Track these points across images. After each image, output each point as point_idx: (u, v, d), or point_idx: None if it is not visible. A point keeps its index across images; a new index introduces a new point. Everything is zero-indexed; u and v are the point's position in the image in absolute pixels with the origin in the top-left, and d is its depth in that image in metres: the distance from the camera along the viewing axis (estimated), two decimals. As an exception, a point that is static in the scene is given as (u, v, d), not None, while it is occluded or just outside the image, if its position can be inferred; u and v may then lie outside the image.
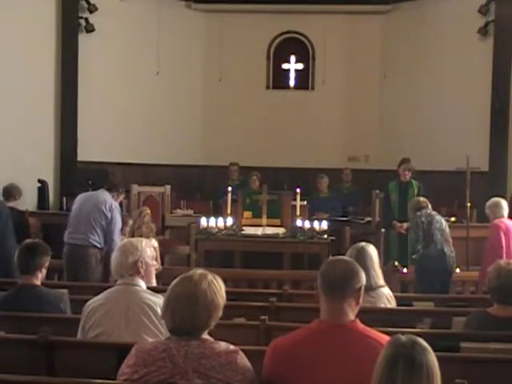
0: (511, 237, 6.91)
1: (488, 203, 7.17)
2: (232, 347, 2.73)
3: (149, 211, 6.79)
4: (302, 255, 8.12)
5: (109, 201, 6.94)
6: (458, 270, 7.77)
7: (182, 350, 2.66)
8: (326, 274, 2.86)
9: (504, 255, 6.68)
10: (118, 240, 6.83)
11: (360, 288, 2.84)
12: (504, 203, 7.05)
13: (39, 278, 4.31)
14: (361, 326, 2.80)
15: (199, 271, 2.85)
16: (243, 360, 2.71)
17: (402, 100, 11.85)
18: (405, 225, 8.26)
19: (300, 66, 12.47)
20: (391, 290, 4.86)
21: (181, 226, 9.18)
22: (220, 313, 2.80)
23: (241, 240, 8.03)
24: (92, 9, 10.79)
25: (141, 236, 6.27)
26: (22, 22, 9.88)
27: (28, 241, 4.59)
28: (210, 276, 2.81)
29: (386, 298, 4.66)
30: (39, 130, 10.26)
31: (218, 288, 2.80)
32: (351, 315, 2.81)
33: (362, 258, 4.50)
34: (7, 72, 9.71)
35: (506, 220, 7.05)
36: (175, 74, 11.83)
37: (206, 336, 2.76)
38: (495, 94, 10.41)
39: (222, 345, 2.72)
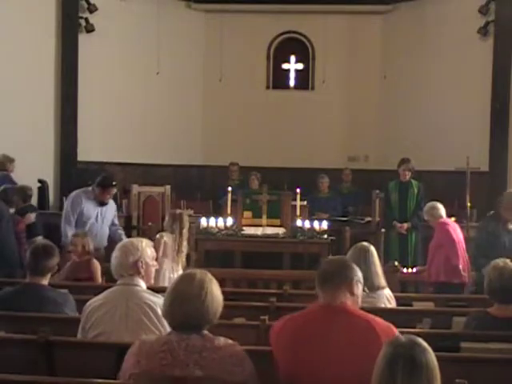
0: (458, 234, 7.03)
1: (424, 209, 7.30)
2: (231, 341, 2.81)
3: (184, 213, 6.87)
4: (302, 255, 8.12)
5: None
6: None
7: (182, 344, 2.74)
8: (320, 270, 3.13)
9: (458, 250, 6.87)
10: (64, 226, 6.97)
11: (351, 280, 3.05)
12: (439, 204, 7.18)
13: (47, 279, 4.33)
14: (350, 306, 2.98)
15: (198, 270, 2.95)
16: (242, 353, 2.78)
17: (401, 100, 11.84)
18: (405, 225, 8.27)
19: (300, 66, 12.47)
20: (391, 289, 4.87)
21: (181, 225, 9.16)
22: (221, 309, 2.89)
23: (241, 240, 8.02)
24: (92, 9, 10.79)
25: (184, 238, 6.40)
26: (22, 22, 9.89)
27: (42, 242, 4.60)
28: (209, 274, 2.91)
29: (386, 298, 4.66)
30: (39, 130, 10.27)
31: (218, 285, 2.90)
32: (344, 301, 3.00)
33: (367, 258, 4.50)
34: (7, 72, 9.72)
35: (448, 219, 7.19)
36: (175, 74, 11.83)
37: (205, 331, 2.82)
38: (495, 94, 10.41)
39: (221, 339, 2.80)
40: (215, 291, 2.85)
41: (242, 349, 2.81)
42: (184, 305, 2.78)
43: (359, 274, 3.13)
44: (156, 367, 2.70)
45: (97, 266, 5.99)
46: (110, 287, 3.83)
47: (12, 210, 7.09)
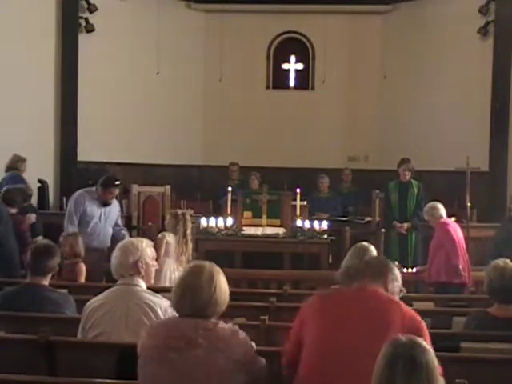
0: (458, 234, 7.05)
1: (424, 209, 7.37)
2: (231, 324, 2.96)
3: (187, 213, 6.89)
4: (302, 255, 8.12)
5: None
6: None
7: (190, 323, 2.87)
8: (356, 265, 3.43)
9: (458, 250, 6.93)
10: (67, 225, 6.94)
11: (386, 276, 3.18)
12: (439, 205, 7.23)
13: (48, 280, 4.33)
14: (383, 292, 3.09)
15: (205, 262, 3.07)
16: (244, 337, 2.93)
17: (401, 100, 11.84)
18: (405, 225, 8.26)
19: (300, 66, 12.46)
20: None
21: (181, 226, 9.16)
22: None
23: (241, 240, 8.03)
24: (92, 9, 10.78)
25: (189, 239, 6.41)
26: (22, 22, 9.88)
27: (43, 241, 4.61)
28: (215, 265, 3.05)
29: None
30: (39, 130, 10.26)
31: (224, 276, 3.05)
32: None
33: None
34: (7, 72, 9.71)
35: (448, 219, 7.24)
36: (175, 74, 11.83)
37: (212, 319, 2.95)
38: (495, 94, 10.41)
39: (224, 323, 2.94)
40: (223, 283, 2.98)
41: (244, 334, 2.93)
42: (194, 296, 2.90)
43: (396, 273, 3.24)
44: (163, 338, 2.85)
45: (81, 269, 5.84)
46: (110, 287, 3.84)
47: (14, 211, 7.09)
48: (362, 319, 2.96)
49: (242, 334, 2.91)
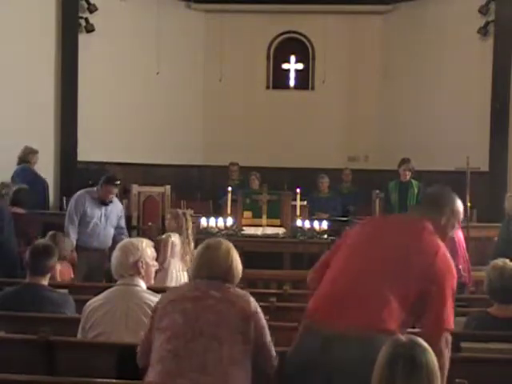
0: (458, 234, 7.04)
1: None
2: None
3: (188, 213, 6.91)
4: (302, 255, 8.12)
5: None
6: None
7: (205, 282, 3.07)
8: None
9: (458, 250, 6.84)
10: (67, 225, 6.96)
11: (440, 208, 3.13)
12: None
13: (47, 279, 4.33)
14: (431, 229, 3.05)
15: (221, 239, 3.30)
16: (254, 300, 3.07)
17: (401, 100, 11.84)
18: (405, 225, 8.25)
19: (300, 66, 12.47)
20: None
21: (181, 226, 9.15)
22: None
23: (241, 240, 8.02)
24: (92, 9, 10.77)
25: (191, 239, 6.44)
26: (21, 22, 9.88)
27: (42, 241, 4.62)
28: (230, 242, 3.27)
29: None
30: (39, 130, 10.24)
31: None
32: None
33: None
34: (7, 72, 9.71)
35: None
36: (175, 73, 11.83)
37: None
38: (495, 94, 10.41)
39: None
40: (238, 258, 3.18)
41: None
42: (212, 266, 3.09)
43: (456, 209, 3.17)
44: (181, 293, 3.06)
45: (59, 272, 5.61)
46: (110, 287, 3.84)
47: (22, 211, 7.09)
48: (387, 245, 3.03)
49: (254, 300, 3.05)
